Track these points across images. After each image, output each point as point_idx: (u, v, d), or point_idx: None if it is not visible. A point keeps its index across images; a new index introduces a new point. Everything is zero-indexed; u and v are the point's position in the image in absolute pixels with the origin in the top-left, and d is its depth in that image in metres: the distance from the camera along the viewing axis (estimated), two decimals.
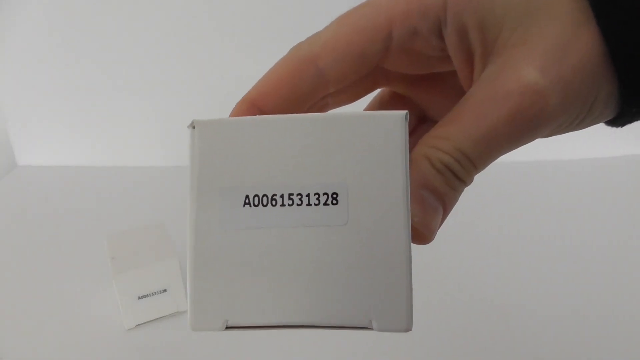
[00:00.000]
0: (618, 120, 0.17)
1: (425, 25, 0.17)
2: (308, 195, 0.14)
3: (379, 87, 0.22)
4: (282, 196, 0.14)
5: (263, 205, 0.14)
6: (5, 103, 0.79)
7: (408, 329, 0.14)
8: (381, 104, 0.23)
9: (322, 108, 0.20)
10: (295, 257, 0.14)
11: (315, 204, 0.14)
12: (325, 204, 0.14)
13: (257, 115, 0.15)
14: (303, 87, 0.17)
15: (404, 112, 0.14)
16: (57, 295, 0.48)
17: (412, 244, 0.15)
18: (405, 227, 0.14)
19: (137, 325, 0.43)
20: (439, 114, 0.21)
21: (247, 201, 0.14)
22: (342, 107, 0.20)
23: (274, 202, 0.14)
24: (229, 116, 0.17)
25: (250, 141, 0.14)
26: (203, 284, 0.14)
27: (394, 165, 0.14)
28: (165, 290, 0.43)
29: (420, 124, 0.22)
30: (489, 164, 0.16)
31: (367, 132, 0.14)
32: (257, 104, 0.17)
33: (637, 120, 0.17)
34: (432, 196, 0.16)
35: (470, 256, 0.52)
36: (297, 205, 0.14)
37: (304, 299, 0.14)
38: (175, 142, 0.80)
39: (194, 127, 0.15)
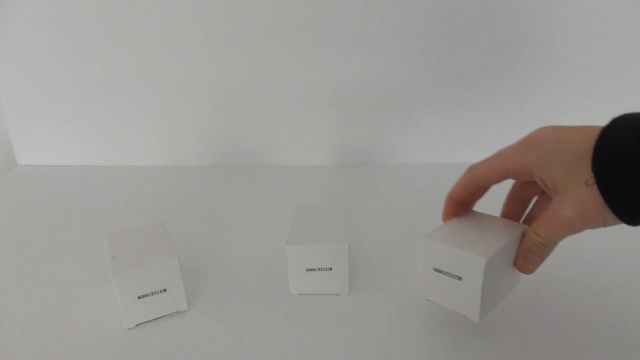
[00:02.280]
0: (628, 224, 0.33)
1: (524, 176, 0.36)
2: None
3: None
4: None
5: None
6: (5, 103, 0.79)
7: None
8: (515, 186, 0.41)
9: (483, 190, 0.40)
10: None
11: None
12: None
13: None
14: (472, 190, 0.39)
15: (485, 259, 0.34)
16: (57, 295, 0.48)
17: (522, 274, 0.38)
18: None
19: (137, 325, 0.43)
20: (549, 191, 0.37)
21: None
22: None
23: None
24: (445, 203, 0.41)
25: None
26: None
27: (476, 284, 0.35)
28: (165, 290, 0.43)
29: (542, 193, 0.40)
30: (560, 241, 0.35)
31: (468, 264, 0.35)
32: (454, 198, 0.40)
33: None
34: (532, 255, 0.36)
35: None
36: None
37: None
38: (175, 142, 0.81)
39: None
